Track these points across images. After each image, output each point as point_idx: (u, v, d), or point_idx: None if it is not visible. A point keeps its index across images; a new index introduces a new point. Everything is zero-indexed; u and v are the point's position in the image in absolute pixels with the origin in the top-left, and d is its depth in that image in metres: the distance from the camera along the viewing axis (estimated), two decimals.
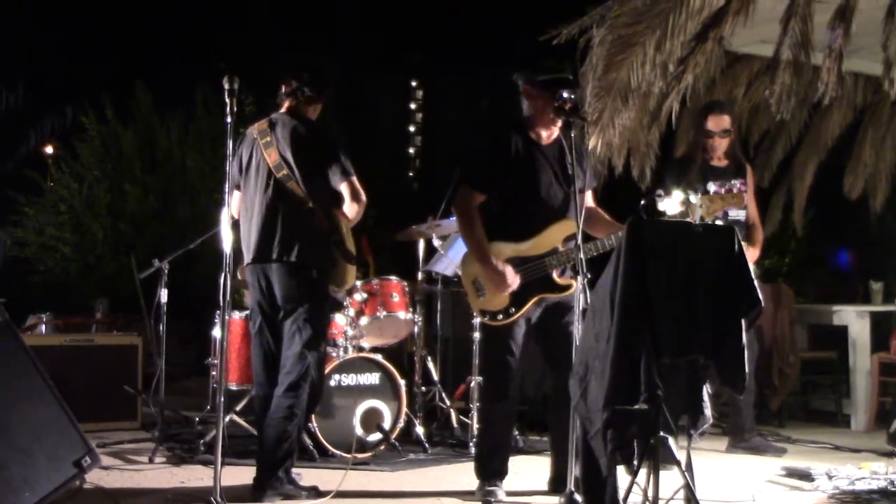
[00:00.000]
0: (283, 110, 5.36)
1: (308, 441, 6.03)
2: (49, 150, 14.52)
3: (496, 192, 5.10)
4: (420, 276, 7.20)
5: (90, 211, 12.17)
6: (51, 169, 12.76)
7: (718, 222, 5.76)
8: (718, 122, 6.63)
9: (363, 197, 5.20)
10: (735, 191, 5.10)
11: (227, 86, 4.55)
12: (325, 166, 5.18)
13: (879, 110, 8.77)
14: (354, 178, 5.19)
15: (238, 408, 6.54)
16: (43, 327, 7.71)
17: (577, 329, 4.54)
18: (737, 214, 6.54)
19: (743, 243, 6.31)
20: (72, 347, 7.28)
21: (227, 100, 4.55)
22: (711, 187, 4.99)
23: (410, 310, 6.76)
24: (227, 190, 4.78)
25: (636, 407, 4.27)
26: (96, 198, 12.23)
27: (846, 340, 7.99)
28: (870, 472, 5.57)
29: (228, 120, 4.54)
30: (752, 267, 6.52)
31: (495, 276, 4.97)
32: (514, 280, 4.97)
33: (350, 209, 5.19)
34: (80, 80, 13.48)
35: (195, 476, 5.63)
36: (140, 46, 13.72)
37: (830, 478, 5.45)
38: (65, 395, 4.44)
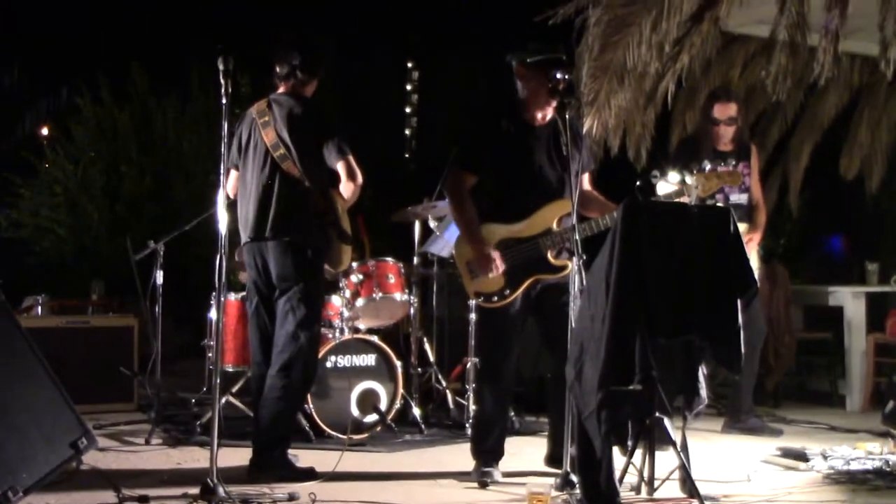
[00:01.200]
0: (280, 91, 5.35)
1: (304, 422, 6.03)
2: (44, 131, 14.48)
3: (490, 174, 5.09)
4: (416, 257, 7.19)
5: (85, 192, 12.12)
6: (46, 150, 12.70)
7: (720, 206, 5.76)
8: (724, 110, 6.57)
9: (359, 176, 5.18)
10: (731, 169, 5.11)
11: (221, 66, 4.50)
12: (322, 145, 5.18)
13: (875, 91, 8.77)
14: (351, 158, 5.17)
15: (234, 389, 6.53)
16: (39, 309, 7.69)
17: (573, 310, 4.53)
18: (738, 199, 6.52)
19: (745, 226, 6.39)
20: (68, 329, 7.28)
21: (222, 80, 4.51)
22: (707, 166, 4.98)
23: (406, 291, 6.75)
24: (222, 171, 4.76)
25: (630, 388, 4.29)
26: (91, 179, 12.18)
27: (842, 321, 8.00)
28: (865, 453, 5.58)
29: (223, 100, 4.52)
30: (755, 248, 6.57)
31: (481, 259, 4.96)
32: (499, 266, 4.95)
33: (346, 188, 5.18)
34: (74, 60, 13.40)
35: (191, 457, 5.63)
36: (135, 26, 13.64)
37: (825, 458, 5.45)
38: (61, 377, 4.42)
